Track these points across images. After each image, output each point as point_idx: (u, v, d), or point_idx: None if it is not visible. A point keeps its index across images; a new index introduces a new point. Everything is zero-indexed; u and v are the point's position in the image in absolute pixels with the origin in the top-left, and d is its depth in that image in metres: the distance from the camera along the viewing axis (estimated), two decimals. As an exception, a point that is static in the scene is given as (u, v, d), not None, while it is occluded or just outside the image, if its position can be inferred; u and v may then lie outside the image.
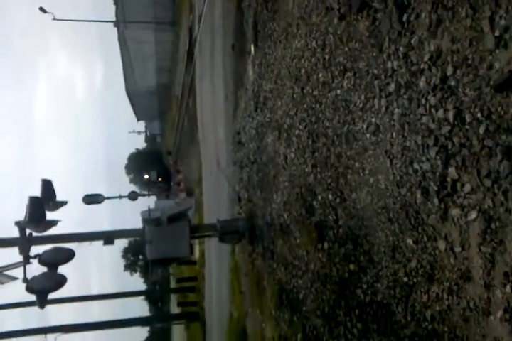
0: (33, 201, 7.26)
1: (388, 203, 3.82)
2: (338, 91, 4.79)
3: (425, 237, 3.37)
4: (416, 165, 3.43)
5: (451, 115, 3.05)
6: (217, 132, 13.30)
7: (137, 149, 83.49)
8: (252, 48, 8.33)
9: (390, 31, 3.84)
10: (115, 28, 46.62)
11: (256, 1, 7.99)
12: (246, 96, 8.94)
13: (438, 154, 3.19)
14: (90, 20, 37.43)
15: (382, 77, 3.97)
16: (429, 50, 3.31)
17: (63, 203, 8.11)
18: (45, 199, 7.70)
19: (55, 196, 8.03)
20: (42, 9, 30.00)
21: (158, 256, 7.88)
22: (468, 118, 2.91)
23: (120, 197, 27.45)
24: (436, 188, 3.22)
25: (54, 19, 31.29)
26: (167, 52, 45.38)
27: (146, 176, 57.76)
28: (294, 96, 5.99)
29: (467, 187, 2.93)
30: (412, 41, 3.52)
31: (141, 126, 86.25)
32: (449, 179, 3.09)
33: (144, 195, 30.96)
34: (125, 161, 79.04)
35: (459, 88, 2.99)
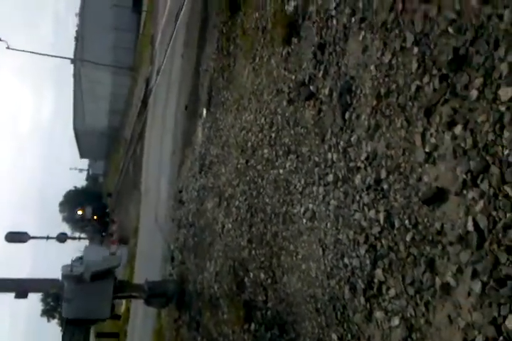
0: None
1: (317, 293, 3.82)
2: (281, 171, 4.89)
3: (349, 335, 3.36)
4: (346, 260, 3.48)
5: (381, 217, 3.16)
6: (160, 185, 13.13)
7: (75, 187, 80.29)
8: (204, 111, 8.47)
9: (333, 125, 4.02)
10: (72, 65, 46.38)
11: (213, 68, 8.23)
12: (193, 156, 8.96)
13: (367, 253, 3.26)
14: (47, 55, 36.99)
15: (322, 166, 4.10)
16: (366, 151, 3.47)
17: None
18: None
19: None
20: (-5, 36, 29.42)
21: (76, 316, 7.33)
22: (396, 223, 3.02)
23: (48, 237, 25.99)
24: (363, 286, 3.26)
25: (8, 48, 30.75)
26: (122, 96, 45.37)
27: (80, 212, 50.31)
28: (239, 166, 6.06)
29: (392, 292, 2.98)
30: (352, 139, 3.69)
31: (84, 163, 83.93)
32: (376, 280, 3.14)
33: (74, 238, 29.43)
34: (60, 198, 75.58)
35: (391, 192, 3.13)
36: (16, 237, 24.02)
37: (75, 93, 50.32)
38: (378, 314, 3.07)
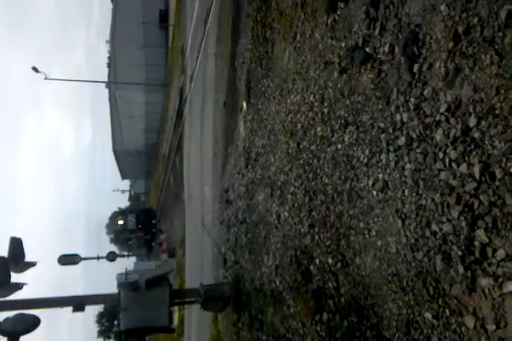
0: (-3, 261, 6.56)
1: (400, 269, 3.36)
2: (339, 146, 4.48)
3: (448, 311, 2.89)
4: (434, 227, 3.03)
5: (476, 170, 2.70)
6: (204, 190, 12.88)
7: (120, 208, 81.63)
8: (245, 105, 8.17)
9: (399, 82, 3.60)
10: (106, 88, 47.67)
11: (250, 58, 7.94)
12: (236, 153, 8.65)
13: (462, 214, 2.80)
14: (82, 81, 37.99)
15: (390, 130, 3.67)
16: (446, 101, 3.03)
17: (32, 264, 7.38)
18: (12, 260, 7.00)
19: (24, 256, 7.32)
20: (34, 69, 30.44)
21: (134, 326, 7.05)
22: (498, 173, 2.56)
23: (98, 257, 26.23)
24: (460, 253, 2.79)
25: (46, 78, 31.71)
26: (156, 113, 46.13)
27: (121, 222, 44.38)
28: (289, 151, 5.68)
29: (501, 253, 2.52)
30: (425, 92, 3.26)
31: (125, 184, 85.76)
32: (476, 243, 2.68)
33: (123, 256, 29.67)
34: (106, 220, 77.02)
35: (486, 140, 2.67)
36: (68, 260, 24.41)
37: (111, 115, 51.56)
38: (484, 281, 2.60)
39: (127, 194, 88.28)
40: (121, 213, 46.73)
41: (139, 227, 37.39)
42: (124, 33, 41.67)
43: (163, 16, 38.74)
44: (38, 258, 7.89)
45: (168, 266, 8.74)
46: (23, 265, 7.53)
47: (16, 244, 7.48)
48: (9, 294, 6.91)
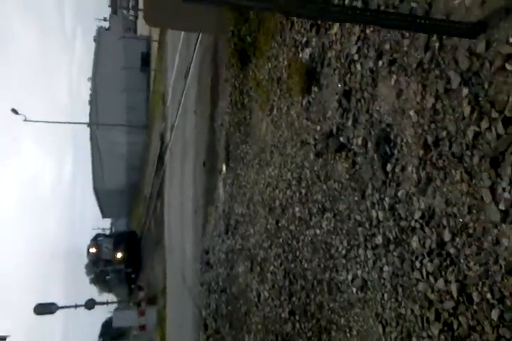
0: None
1: (383, 378, 3.23)
2: (318, 231, 4.41)
3: None
4: (415, 341, 2.93)
5: (454, 288, 2.64)
6: (185, 244, 12.65)
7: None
8: (224, 167, 8.14)
9: (373, 178, 3.59)
10: (88, 128, 47.58)
11: (228, 122, 7.98)
12: (216, 214, 8.54)
13: (442, 333, 2.72)
14: (62, 122, 37.91)
15: (367, 225, 3.63)
16: (420, 208, 3.01)
17: (3, 339, 7.00)
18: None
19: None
20: (14, 110, 30.32)
21: None
22: (475, 297, 2.50)
23: (76, 306, 25.32)
24: (443, 374, 2.69)
25: (25, 120, 31.56)
26: (138, 153, 46.00)
27: (93, 249, 36.22)
28: (268, 227, 5.60)
29: (484, 383, 2.42)
30: (399, 194, 3.24)
31: (106, 223, 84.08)
32: (459, 367, 2.58)
33: (102, 304, 28.65)
34: (85, 260, 74.60)
35: (461, 259, 2.63)
36: (44, 309, 23.65)
37: (92, 155, 51.21)
38: None
39: (108, 232, 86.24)
40: (94, 239, 37.84)
41: (119, 258, 30.96)
42: (106, 74, 42.01)
43: (145, 59, 39.30)
44: (9, 330, 7.50)
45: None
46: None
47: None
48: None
